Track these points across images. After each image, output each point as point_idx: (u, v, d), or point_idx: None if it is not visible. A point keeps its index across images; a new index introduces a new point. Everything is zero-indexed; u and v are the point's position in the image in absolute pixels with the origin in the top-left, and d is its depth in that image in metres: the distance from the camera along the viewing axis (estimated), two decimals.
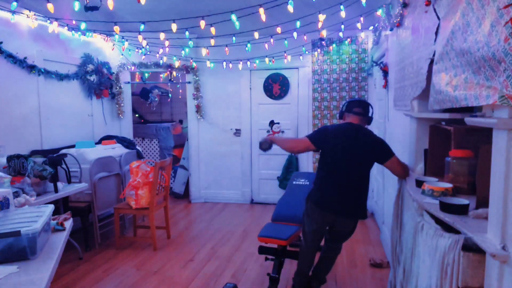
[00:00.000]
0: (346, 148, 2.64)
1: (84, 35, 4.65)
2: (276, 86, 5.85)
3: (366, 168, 2.71)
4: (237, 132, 6.04)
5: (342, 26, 4.11)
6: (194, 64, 5.79)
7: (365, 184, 2.73)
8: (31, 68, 4.19)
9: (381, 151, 2.64)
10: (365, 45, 5.47)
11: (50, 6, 3.10)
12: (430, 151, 2.37)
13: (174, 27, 3.51)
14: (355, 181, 2.67)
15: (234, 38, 4.31)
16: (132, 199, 4.05)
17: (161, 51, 5.11)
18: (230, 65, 5.65)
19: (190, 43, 4.50)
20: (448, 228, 1.55)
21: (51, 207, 2.11)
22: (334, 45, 5.49)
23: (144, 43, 4.85)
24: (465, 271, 1.34)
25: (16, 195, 2.81)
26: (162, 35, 3.99)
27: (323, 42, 5.48)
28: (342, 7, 3.35)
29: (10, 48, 3.93)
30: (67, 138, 4.73)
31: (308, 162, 5.75)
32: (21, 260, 1.70)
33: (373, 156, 2.67)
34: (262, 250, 3.21)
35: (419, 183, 2.10)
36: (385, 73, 4.06)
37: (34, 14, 3.92)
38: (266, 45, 4.84)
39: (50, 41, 4.51)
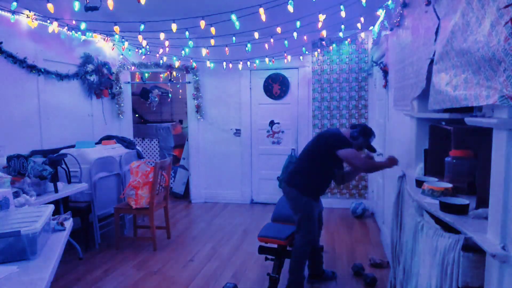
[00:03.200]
0: (310, 141, 3.27)
1: (84, 35, 4.65)
2: (276, 86, 5.85)
3: (316, 153, 3.06)
4: (237, 132, 6.04)
5: (342, 26, 4.11)
6: (194, 64, 5.79)
7: (311, 166, 3.06)
8: (31, 68, 4.19)
9: (331, 141, 3.00)
10: (365, 45, 5.47)
11: (50, 6, 3.10)
12: (430, 151, 2.37)
13: (174, 27, 3.51)
14: (304, 161, 3.13)
15: (234, 38, 4.31)
16: (132, 199, 4.05)
17: (161, 51, 5.10)
18: (230, 65, 5.65)
19: (190, 43, 4.50)
20: (448, 228, 1.54)
21: (51, 207, 2.11)
22: (334, 45, 5.49)
23: (144, 43, 4.85)
24: (465, 271, 1.34)
25: (16, 195, 2.81)
26: (162, 35, 3.99)
27: (323, 42, 5.48)
28: (342, 7, 3.35)
29: (10, 48, 3.93)
30: (67, 138, 4.73)
31: None
32: (21, 260, 1.70)
33: (324, 144, 3.03)
34: (262, 250, 3.21)
35: (419, 183, 2.10)
36: (385, 73, 4.05)
37: (34, 14, 3.92)
38: (266, 45, 4.84)
39: (50, 41, 4.51)
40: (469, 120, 1.47)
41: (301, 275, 3.01)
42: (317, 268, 3.32)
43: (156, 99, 7.00)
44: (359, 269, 3.41)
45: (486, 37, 1.28)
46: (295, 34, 4.30)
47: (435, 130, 2.31)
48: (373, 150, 3.27)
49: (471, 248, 1.34)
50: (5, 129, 3.89)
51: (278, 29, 3.92)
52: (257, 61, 5.60)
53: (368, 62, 5.39)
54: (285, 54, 5.32)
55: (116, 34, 4.06)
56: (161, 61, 5.74)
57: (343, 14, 3.45)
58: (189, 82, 5.98)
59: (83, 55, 5.09)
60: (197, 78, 5.91)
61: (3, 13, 3.82)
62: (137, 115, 7.42)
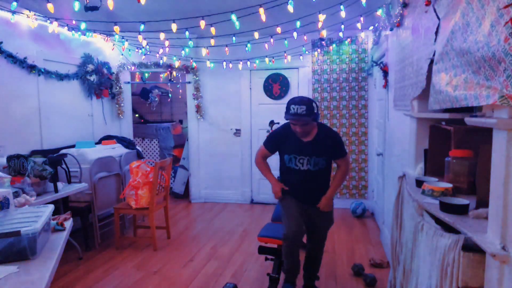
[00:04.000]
0: None
1: (84, 35, 4.65)
2: (276, 86, 5.85)
3: None
4: (237, 132, 6.04)
5: (342, 26, 4.11)
6: (194, 64, 5.79)
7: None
8: (31, 68, 4.19)
9: None
10: (365, 45, 5.47)
11: (50, 6, 3.10)
12: (430, 151, 2.37)
13: (174, 27, 3.51)
14: None
15: (234, 38, 4.31)
16: (132, 199, 4.05)
17: (161, 51, 5.10)
18: (230, 65, 5.65)
19: (190, 43, 4.50)
20: (448, 228, 1.54)
21: (51, 207, 2.11)
22: (334, 45, 5.49)
23: (144, 43, 4.85)
24: (465, 271, 1.34)
25: (16, 195, 2.81)
26: (162, 35, 3.99)
27: (323, 42, 5.48)
28: (342, 7, 3.35)
29: (10, 48, 3.93)
30: (67, 138, 4.73)
31: None
32: (21, 260, 1.70)
33: None
34: (262, 250, 3.21)
35: (419, 183, 2.10)
36: (385, 73, 4.05)
37: (34, 14, 3.92)
38: (266, 45, 4.84)
39: (50, 41, 4.51)
40: (469, 120, 1.47)
41: (289, 263, 2.87)
42: (308, 280, 3.12)
43: (156, 99, 7.00)
44: (359, 269, 3.41)
45: (486, 37, 1.28)
46: (295, 34, 4.30)
47: (435, 130, 2.31)
48: (301, 121, 2.77)
49: (471, 248, 1.34)
50: (5, 129, 3.89)
51: (278, 29, 3.92)
52: (257, 61, 5.60)
53: (368, 62, 5.39)
54: (285, 54, 5.32)
55: (116, 34, 4.06)
56: (161, 61, 5.74)
57: (343, 14, 3.45)
58: (189, 82, 5.98)
59: (83, 55, 5.09)
60: (197, 78, 5.91)
61: (3, 13, 3.82)
62: (137, 115, 7.42)
